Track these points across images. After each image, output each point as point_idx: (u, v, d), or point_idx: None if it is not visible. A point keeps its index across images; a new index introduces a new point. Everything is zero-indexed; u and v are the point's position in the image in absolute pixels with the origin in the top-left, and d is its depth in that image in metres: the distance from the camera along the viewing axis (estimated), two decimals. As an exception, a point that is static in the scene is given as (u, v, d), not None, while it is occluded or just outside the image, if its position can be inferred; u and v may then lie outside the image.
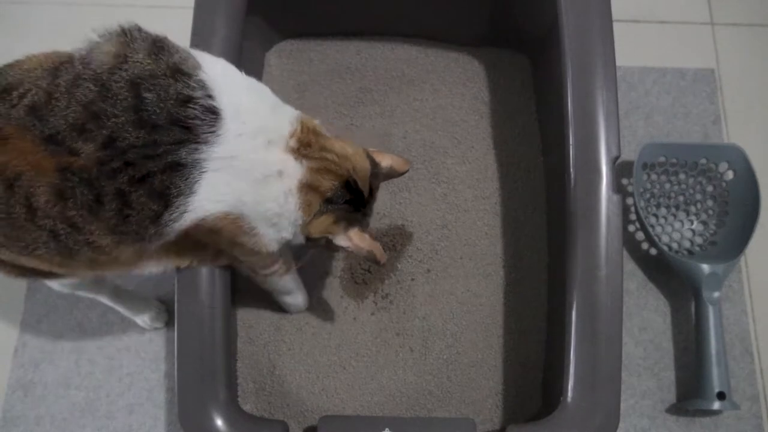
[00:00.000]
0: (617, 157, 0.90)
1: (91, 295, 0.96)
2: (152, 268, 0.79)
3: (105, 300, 0.98)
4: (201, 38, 0.93)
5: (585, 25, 0.94)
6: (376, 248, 0.82)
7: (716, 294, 1.02)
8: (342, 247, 0.81)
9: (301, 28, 1.19)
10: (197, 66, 0.69)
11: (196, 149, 0.66)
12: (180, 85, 0.66)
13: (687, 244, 1.12)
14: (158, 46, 0.68)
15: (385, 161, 0.86)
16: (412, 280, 1.08)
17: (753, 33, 1.29)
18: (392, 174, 0.88)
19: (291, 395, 1.02)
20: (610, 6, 0.95)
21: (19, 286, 1.08)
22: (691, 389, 1.05)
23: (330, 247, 0.83)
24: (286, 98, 1.16)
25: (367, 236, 0.81)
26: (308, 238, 0.80)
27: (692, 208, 1.13)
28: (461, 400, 1.02)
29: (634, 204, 1.07)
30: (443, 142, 1.15)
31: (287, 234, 0.78)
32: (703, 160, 1.10)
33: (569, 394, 0.84)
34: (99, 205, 0.65)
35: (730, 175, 1.10)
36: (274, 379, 1.02)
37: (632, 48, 1.24)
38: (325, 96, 1.17)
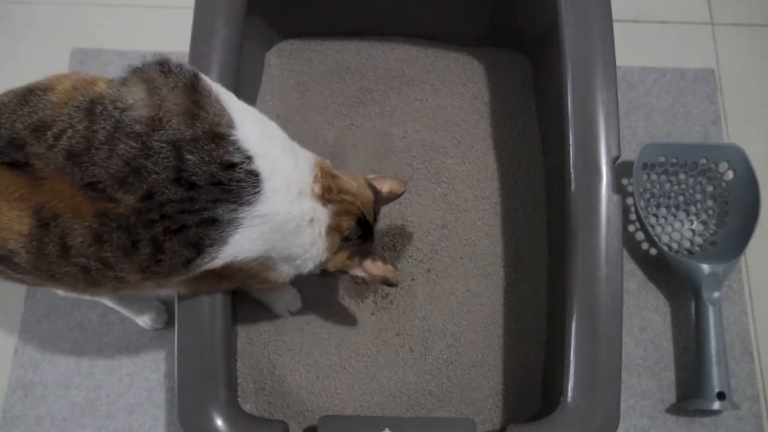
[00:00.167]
0: (617, 157, 0.90)
1: (92, 298, 0.96)
2: (165, 292, 0.80)
3: (106, 301, 0.98)
4: (201, 38, 0.92)
5: (585, 25, 0.94)
6: (389, 272, 0.86)
7: (716, 294, 1.02)
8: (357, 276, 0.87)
9: (301, 28, 1.19)
10: (231, 124, 0.69)
11: (235, 209, 0.68)
12: (221, 150, 0.67)
13: (687, 244, 1.12)
14: (193, 101, 0.67)
15: (385, 186, 0.89)
16: (412, 280, 1.08)
17: (753, 33, 1.29)
18: (391, 198, 0.92)
19: (291, 395, 1.02)
20: (610, 6, 0.95)
21: (19, 286, 1.08)
22: (691, 389, 1.05)
23: (338, 274, 0.88)
24: (286, 98, 1.17)
25: (379, 262, 0.86)
26: (323, 271, 0.84)
27: (692, 208, 1.13)
28: (461, 400, 1.02)
29: (634, 204, 1.07)
30: (443, 142, 1.15)
31: (307, 270, 0.82)
32: (703, 160, 1.10)
33: (569, 394, 0.84)
34: (134, 249, 0.66)
35: (730, 175, 1.10)
36: (274, 379, 1.02)
37: (632, 48, 1.24)
38: (325, 96, 1.17)
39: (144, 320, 1.03)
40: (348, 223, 0.80)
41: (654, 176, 1.12)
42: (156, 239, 0.66)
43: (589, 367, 0.85)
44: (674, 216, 1.14)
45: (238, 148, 0.68)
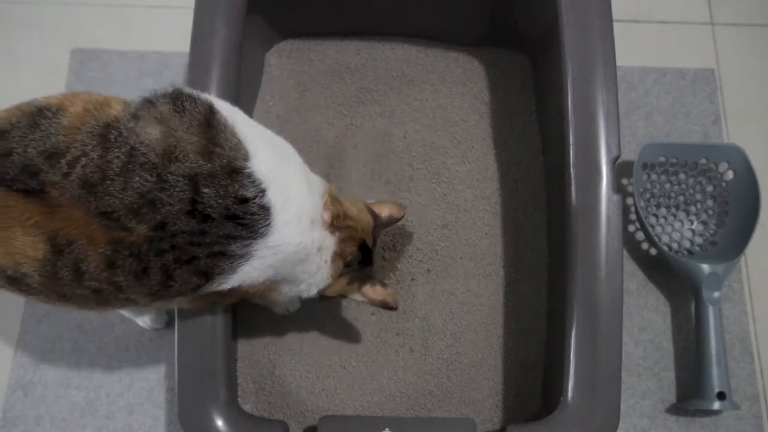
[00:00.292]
0: (617, 157, 0.90)
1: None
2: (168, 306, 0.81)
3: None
4: (201, 38, 0.92)
5: (585, 25, 0.94)
6: (389, 296, 0.87)
7: (716, 294, 1.02)
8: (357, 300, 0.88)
9: (301, 28, 1.19)
10: (246, 157, 0.68)
11: (249, 244, 0.68)
12: (236, 185, 0.66)
13: (687, 244, 1.12)
14: (209, 138, 0.67)
15: (384, 211, 0.90)
16: (412, 280, 1.08)
17: (753, 33, 1.29)
18: (391, 222, 0.92)
19: (291, 395, 1.02)
20: (610, 6, 0.95)
21: (19, 286, 1.08)
22: (691, 389, 1.05)
23: (337, 299, 0.88)
24: (286, 98, 1.17)
25: (378, 287, 0.87)
26: (322, 296, 0.84)
27: (692, 208, 1.13)
28: (461, 400, 1.02)
29: (634, 204, 1.07)
30: (443, 142, 1.15)
31: (309, 295, 0.82)
32: (703, 160, 1.10)
33: (569, 394, 0.84)
34: (145, 275, 0.66)
35: (730, 175, 1.10)
36: (274, 379, 1.02)
37: (632, 48, 1.24)
38: (325, 96, 1.17)
39: (144, 320, 1.03)
40: (351, 249, 0.80)
41: (654, 176, 1.12)
42: (166, 267, 0.66)
43: (589, 367, 0.85)
44: (674, 216, 1.14)
45: (253, 181, 0.67)
